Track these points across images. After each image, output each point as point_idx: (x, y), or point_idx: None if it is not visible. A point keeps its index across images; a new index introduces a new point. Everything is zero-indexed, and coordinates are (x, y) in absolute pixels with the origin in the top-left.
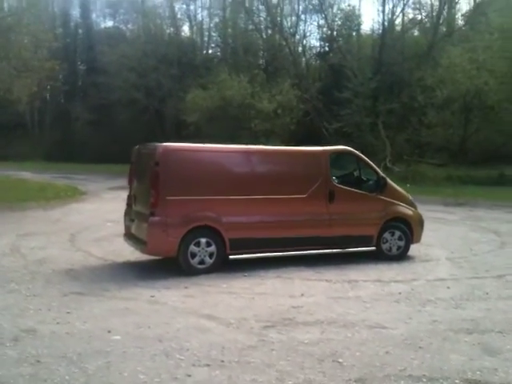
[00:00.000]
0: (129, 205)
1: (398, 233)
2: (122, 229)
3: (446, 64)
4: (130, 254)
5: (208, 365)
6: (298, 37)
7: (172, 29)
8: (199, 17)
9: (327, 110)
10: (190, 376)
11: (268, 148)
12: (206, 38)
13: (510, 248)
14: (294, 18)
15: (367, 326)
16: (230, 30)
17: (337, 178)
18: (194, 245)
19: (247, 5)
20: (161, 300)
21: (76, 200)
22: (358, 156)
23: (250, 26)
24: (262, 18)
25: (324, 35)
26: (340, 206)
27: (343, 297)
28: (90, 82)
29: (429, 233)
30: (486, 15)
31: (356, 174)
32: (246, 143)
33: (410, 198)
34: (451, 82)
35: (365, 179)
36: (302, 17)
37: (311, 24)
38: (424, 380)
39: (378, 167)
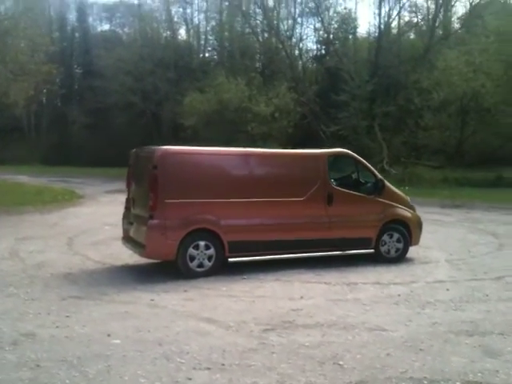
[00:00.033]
0: (127, 208)
1: (396, 235)
2: (119, 232)
3: (443, 67)
4: (129, 257)
5: (209, 368)
6: (294, 40)
7: (169, 32)
8: (196, 20)
9: (324, 113)
10: (190, 379)
11: (266, 151)
12: (202, 42)
13: (508, 250)
14: (290, 22)
15: (367, 329)
16: (226, 33)
17: (335, 180)
18: (193, 248)
19: (244, 8)
20: (160, 303)
21: (73, 204)
22: (355, 158)
23: (247, 30)
24: (258, 22)
25: (320, 38)
26: (339, 209)
27: (342, 299)
28: (86, 85)
29: (427, 235)
30: (482, 18)
31: (354, 176)
32: (244, 147)
33: (409, 200)
34: (447, 84)
35: (363, 181)
36: (299, 20)
37: (308, 27)
38: (425, 382)
39: (375, 169)
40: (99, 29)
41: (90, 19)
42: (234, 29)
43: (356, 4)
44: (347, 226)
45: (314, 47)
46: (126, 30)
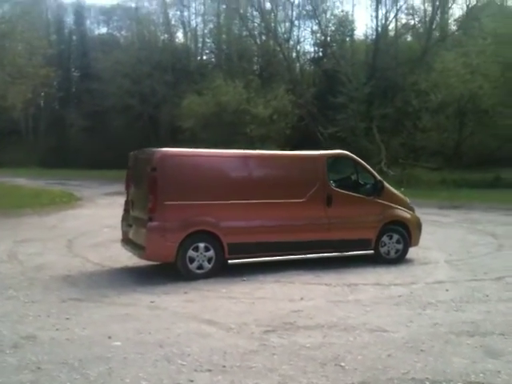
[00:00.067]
0: (126, 210)
1: (396, 236)
2: (118, 234)
3: (440, 68)
4: (128, 259)
5: (210, 370)
6: (291, 42)
7: (166, 35)
8: (193, 23)
9: (322, 114)
10: (192, 381)
11: (266, 153)
12: (200, 45)
13: (508, 250)
14: (287, 24)
15: (368, 330)
16: (224, 36)
17: (334, 181)
18: (193, 250)
19: (241, 11)
20: (161, 305)
21: (72, 206)
22: (355, 160)
23: (244, 32)
24: (256, 24)
25: (318, 41)
26: (338, 210)
27: (343, 300)
28: (84, 88)
29: (426, 236)
30: (479, 20)
31: (353, 177)
32: (243, 148)
33: (408, 201)
34: (445, 86)
35: (362, 183)
36: (296, 23)
37: (305, 30)
38: (427, 383)
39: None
40: (96, 32)
41: (88, 22)
42: (232, 31)
43: (353, 6)
44: (347, 227)
45: (312, 50)
46: (123, 33)
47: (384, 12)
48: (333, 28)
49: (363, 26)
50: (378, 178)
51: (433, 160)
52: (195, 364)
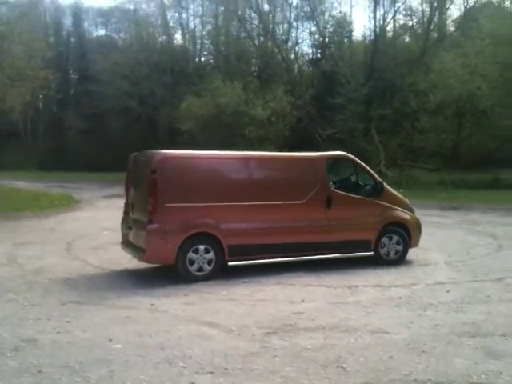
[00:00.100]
0: (126, 212)
1: (395, 237)
2: (118, 237)
3: (439, 69)
4: (128, 261)
5: (211, 372)
6: (290, 44)
7: (164, 37)
8: (191, 25)
9: (320, 116)
10: None
11: (265, 154)
12: (198, 46)
13: (507, 251)
14: (285, 26)
15: (369, 331)
16: (222, 37)
17: (334, 183)
18: (193, 252)
19: (239, 13)
20: (161, 308)
21: (71, 208)
22: (354, 161)
23: (243, 34)
24: (254, 26)
25: (316, 42)
26: (338, 212)
27: (344, 302)
28: (82, 90)
29: (426, 237)
30: (477, 21)
31: (353, 179)
32: (243, 150)
33: (408, 202)
34: (444, 87)
35: (362, 184)
36: (294, 24)
37: (303, 31)
38: None
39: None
40: (95, 34)
41: (86, 24)
42: (230, 33)
43: (351, 8)
44: (347, 228)
45: (310, 51)
46: (121, 35)
47: (382, 13)
48: (331, 29)
49: (361, 27)
50: (378, 179)
51: (431, 161)
52: (197, 366)
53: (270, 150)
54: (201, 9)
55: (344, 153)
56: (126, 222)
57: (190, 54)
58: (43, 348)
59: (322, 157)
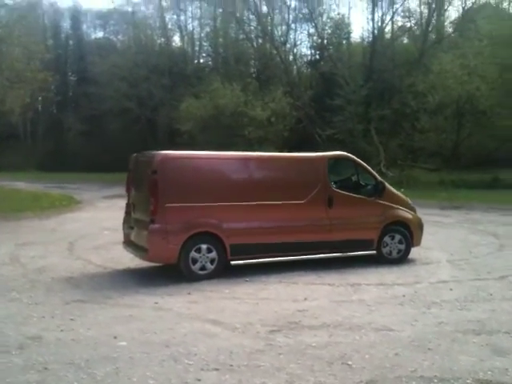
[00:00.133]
0: (127, 212)
1: (398, 236)
2: (119, 237)
3: (438, 70)
4: (130, 261)
5: (217, 369)
6: (288, 45)
7: (163, 39)
8: (190, 27)
9: (320, 116)
10: (199, 380)
11: (266, 154)
12: (197, 48)
13: (509, 250)
14: (284, 27)
15: (374, 329)
16: (220, 39)
17: (335, 183)
18: (195, 251)
19: (238, 15)
20: (164, 306)
21: (71, 209)
22: (355, 161)
23: (241, 36)
24: (252, 28)
25: (314, 44)
26: (339, 211)
27: (347, 300)
28: (81, 92)
29: (428, 236)
30: (475, 22)
31: (354, 178)
32: (244, 151)
33: (409, 201)
34: (443, 87)
35: (363, 184)
36: (293, 26)
37: (301, 33)
38: (435, 381)
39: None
40: (93, 36)
41: (84, 27)
42: (229, 35)
43: (349, 9)
44: (348, 228)
45: (309, 52)
46: (119, 37)
47: (380, 15)
48: (329, 31)
49: (359, 28)
50: (379, 178)
51: (431, 161)
52: (202, 363)
53: (269, 151)
54: (199, 11)
55: (345, 153)
56: (128, 222)
57: (188, 55)
58: (48, 346)
59: (323, 157)
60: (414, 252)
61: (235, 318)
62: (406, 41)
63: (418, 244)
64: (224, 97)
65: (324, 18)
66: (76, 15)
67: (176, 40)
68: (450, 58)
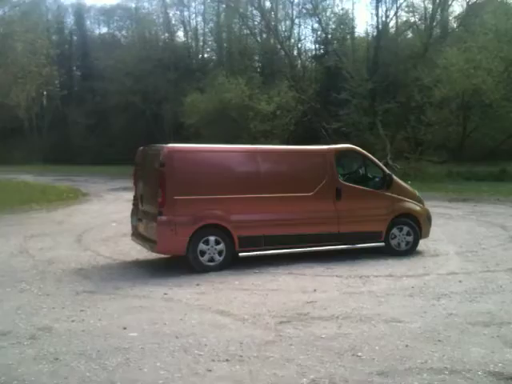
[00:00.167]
0: (135, 205)
1: (406, 228)
2: (126, 229)
3: (443, 64)
4: (138, 253)
5: (227, 360)
6: (292, 40)
7: (167, 34)
8: (193, 22)
9: (325, 110)
10: (210, 371)
11: (274, 147)
12: (201, 43)
13: None
14: (288, 22)
15: (383, 320)
16: (224, 34)
17: (343, 175)
18: (203, 243)
19: (241, 10)
20: (174, 297)
21: (79, 201)
22: (363, 154)
23: (245, 31)
24: (256, 23)
25: (319, 38)
26: (347, 204)
27: (356, 292)
28: (86, 87)
29: (436, 228)
30: (480, 17)
31: (362, 171)
32: (248, 144)
33: (417, 193)
34: (448, 81)
35: (371, 176)
36: (296, 21)
37: (306, 28)
38: (446, 373)
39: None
40: (97, 32)
41: (88, 23)
42: (232, 30)
43: (353, 4)
44: (356, 220)
45: (313, 47)
46: (123, 32)
47: (384, 10)
48: (333, 26)
49: (364, 23)
50: (387, 171)
51: (437, 154)
52: (212, 354)
53: (275, 144)
54: (202, 6)
55: (352, 146)
56: (136, 214)
57: (192, 50)
58: (59, 336)
59: (330, 150)
60: (423, 244)
61: (244, 309)
62: (410, 35)
63: (427, 236)
64: (229, 91)
65: (328, 13)
66: (80, 11)
67: (180, 35)
68: (454, 53)
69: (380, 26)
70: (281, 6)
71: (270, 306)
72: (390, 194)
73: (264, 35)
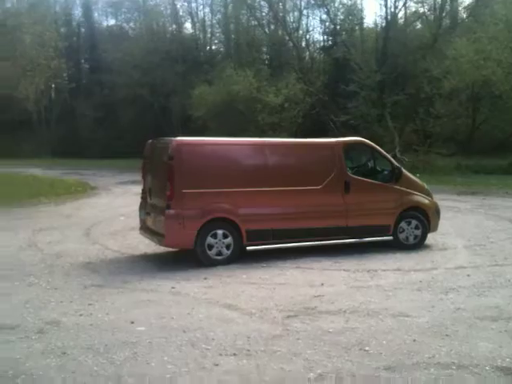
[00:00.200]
0: (144, 198)
1: (414, 222)
2: (135, 222)
3: (452, 55)
4: (146, 246)
5: (235, 354)
6: (301, 32)
7: (174, 26)
8: (201, 14)
9: (333, 102)
10: (217, 365)
11: (282, 140)
12: (209, 35)
13: None
14: (296, 13)
15: (391, 315)
16: (232, 25)
17: (352, 168)
18: (211, 236)
19: (249, 1)
20: (182, 291)
21: (87, 195)
22: (372, 146)
23: (253, 22)
24: (264, 14)
25: (327, 29)
26: (356, 197)
27: (364, 286)
28: (94, 79)
29: (444, 222)
30: (490, 7)
31: (370, 164)
32: (256, 137)
33: (426, 186)
34: (458, 72)
35: (379, 169)
36: (305, 12)
37: (314, 19)
38: (453, 367)
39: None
40: (105, 24)
41: (96, 15)
42: (240, 21)
43: None
44: (365, 213)
45: (321, 38)
46: (131, 24)
47: (393, 0)
48: (342, 16)
49: (372, 14)
50: (396, 164)
51: (446, 146)
52: (219, 348)
53: (282, 137)
54: None
55: (361, 138)
56: (144, 208)
57: (200, 42)
58: (67, 330)
59: (339, 142)
60: (431, 238)
61: (252, 303)
62: (419, 26)
63: (435, 230)
64: (237, 83)
65: (336, 4)
66: (87, 3)
67: (188, 27)
68: (464, 43)
69: (389, 17)
70: None
71: (278, 300)
72: (398, 187)
73: (272, 26)
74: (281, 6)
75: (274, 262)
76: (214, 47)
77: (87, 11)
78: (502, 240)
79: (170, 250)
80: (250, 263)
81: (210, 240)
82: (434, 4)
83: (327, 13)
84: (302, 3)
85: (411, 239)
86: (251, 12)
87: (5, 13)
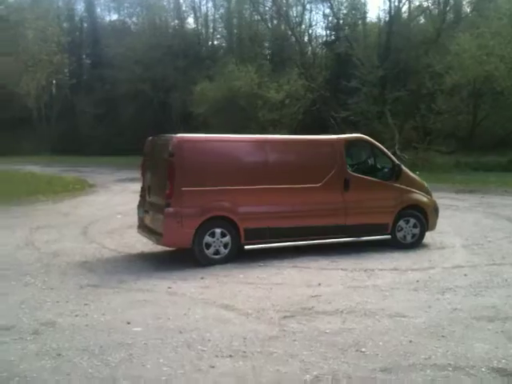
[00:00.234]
0: (142, 196)
1: (412, 220)
2: (132, 221)
3: (455, 50)
4: (143, 245)
5: (231, 356)
6: (303, 26)
7: (177, 21)
8: (204, 8)
9: (334, 98)
10: (213, 367)
11: (283, 137)
12: (211, 30)
13: None
14: (299, 8)
15: (388, 315)
16: (235, 20)
17: (351, 166)
18: (209, 235)
19: None
20: (178, 291)
21: (85, 193)
22: (372, 143)
23: (256, 17)
24: (267, 8)
25: (330, 24)
26: (355, 195)
27: (361, 286)
28: (95, 75)
29: (442, 220)
30: (494, 1)
31: (371, 161)
32: (256, 133)
33: (425, 185)
34: (460, 68)
35: (380, 167)
36: (308, 6)
37: (317, 13)
38: (450, 369)
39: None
40: (107, 19)
41: (98, 9)
42: (243, 16)
43: None
44: (364, 211)
45: (324, 33)
46: (134, 19)
47: None
48: (345, 11)
49: (376, 8)
50: (396, 161)
51: (446, 143)
52: (215, 350)
53: (283, 134)
54: None
55: (362, 135)
56: (143, 206)
57: (202, 37)
58: (62, 331)
59: (339, 139)
60: (429, 236)
61: (249, 303)
62: (422, 21)
63: (433, 228)
64: (238, 79)
65: None
66: None
67: (190, 22)
68: (467, 38)
69: (392, 11)
70: None
71: (275, 300)
72: (398, 185)
73: (275, 21)
74: (284, 1)
75: (271, 262)
76: (216, 42)
77: (90, 6)
78: (499, 239)
79: (167, 248)
80: (247, 262)
81: (207, 239)
82: None
83: (330, 7)
84: None
85: (409, 238)
86: (254, 6)
87: (7, 8)
